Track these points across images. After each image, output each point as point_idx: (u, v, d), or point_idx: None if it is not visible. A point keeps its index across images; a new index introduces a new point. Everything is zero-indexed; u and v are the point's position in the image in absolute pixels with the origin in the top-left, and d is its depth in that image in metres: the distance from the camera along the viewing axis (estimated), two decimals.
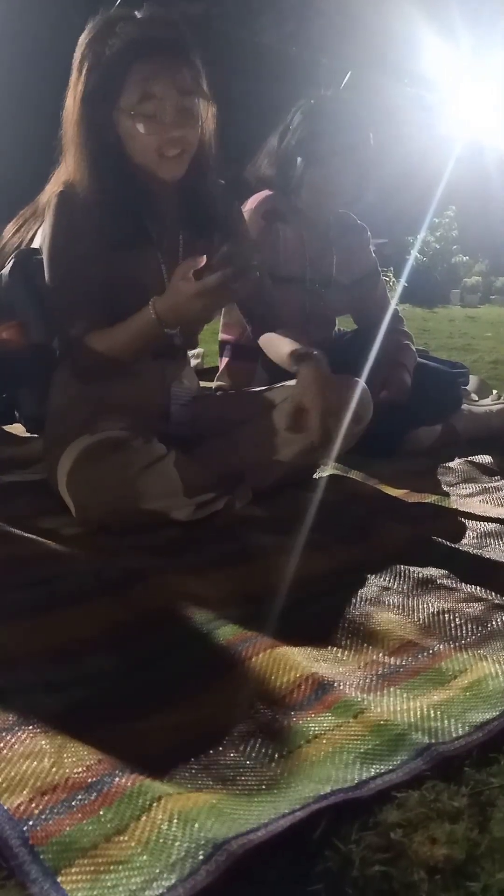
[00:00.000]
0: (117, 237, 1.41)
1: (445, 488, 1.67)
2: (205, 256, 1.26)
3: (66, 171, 1.42)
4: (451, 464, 1.82)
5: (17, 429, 2.06)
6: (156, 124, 1.35)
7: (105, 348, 1.38)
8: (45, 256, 1.45)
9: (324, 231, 2.00)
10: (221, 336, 2.06)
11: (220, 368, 2.06)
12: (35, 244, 1.67)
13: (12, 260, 1.82)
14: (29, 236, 1.67)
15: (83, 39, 1.36)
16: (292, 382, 1.56)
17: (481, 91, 8.11)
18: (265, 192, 1.96)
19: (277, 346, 1.53)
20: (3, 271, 1.85)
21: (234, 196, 1.62)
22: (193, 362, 2.03)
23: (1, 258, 1.62)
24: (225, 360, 2.04)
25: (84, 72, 1.36)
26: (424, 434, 1.98)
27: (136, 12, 1.36)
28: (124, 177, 1.41)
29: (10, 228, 1.71)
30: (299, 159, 1.86)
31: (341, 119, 1.89)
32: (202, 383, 1.87)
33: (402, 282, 6.38)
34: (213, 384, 2.07)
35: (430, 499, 1.59)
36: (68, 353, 1.47)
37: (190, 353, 1.67)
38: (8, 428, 2.08)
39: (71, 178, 1.40)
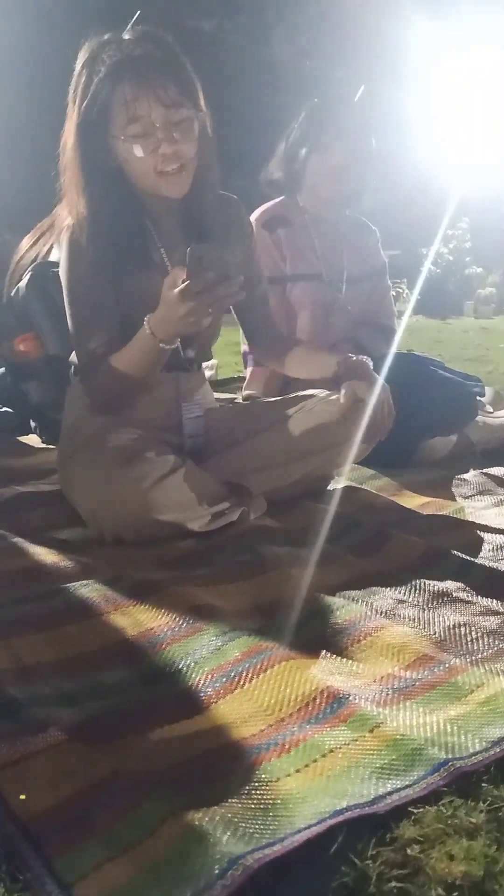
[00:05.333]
0: (123, 263, 1.42)
1: (461, 500, 1.66)
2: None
3: (71, 196, 1.42)
4: (466, 475, 1.81)
5: (33, 440, 2.07)
6: (148, 144, 1.34)
7: (120, 367, 1.40)
8: (63, 285, 1.47)
9: (332, 227, 2.04)
10: (244, 347, 2.09)
11: (248, 377, 2.09)
12: (52, 258, 1.68)
13: (29, 273, 1.84)
14: (45, 249, 1.69)
15: (76, 68, 1.36)
16: (306, 392, 1.57)
17: (495, 102, 8.12)
18: (269, 203, 2.01)
19: (313, 359, 1.59)
20: (20, 284, 1.87)
21: (240, 206, 1.60)
22: (208, 374, 2.05)
23: (18, 271, 1.64)
24: (250, 368, 2.07)
25: (77, 102, 1.36)
26: (439, 444, 1.97)
27: (124, 33, 1.35)
28: (125, 201, 1.41)
29: (26, 241, 1.73)
30: (303, 150, 1.94)
31: (344, 112, 1.95)
32: (218, 395, 1.88)
33: (416, 293, 6.38)
34: (243, 394, 2.10)
35: (446, 510, 1.58)
36: (87, 375, 1.48)
37: (204, 364, 1.67)
38: (23, 439, 2.10)
39: (74, 208, 1.41)
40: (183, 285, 1.23)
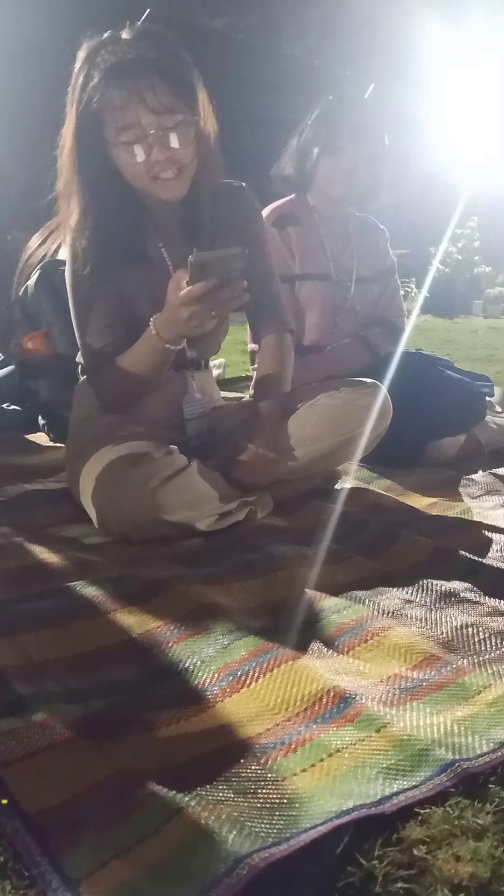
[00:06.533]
0: (122, 263, 1.42)
1: (469, 500, 1.65)
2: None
3: (66, 201, 1.42)
4: (474, 476, 1.80)
5: (41, 438, 2.08)
6: (140, 150, 1.33)
7: (127, 367, 1.40)
8: (67, 288, 1.47)
9: (341, 226, 2.04)
10: (251, 346, 2.08)
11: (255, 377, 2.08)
12: (60, 256, 1.69)
13: (38, 271, 1.84)
14: (54, 248, 1.69)
15: (75, 69, 1.35)
16: (311, 386, 1.57)
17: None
18: (279, 201, 2.00)
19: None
20: (29, 282, 1.88)
21: (245, 193, 1.57)
22: (215, 372, 2.04)
23: (27, 269, 1.64)
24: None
25: (74, 107, 1.35)
26: (447, 444, 1.97)
27: (122, 32, 1.33)
28: (122, 202, 1.41)
29: (35, 240, 1.73)
30: (315, 149, 1.93)
31: (358, 113, 1.94)
32: (225, 393, 1.87)
33: (424, 292, 6.37)
34: (250, 392, 2.09)
35: (454, 511, 1.58)
36: (93, 375, 1.48)
37: (212, 363, 1.67)
38: (31, 437, 2.10)
39: (69, 212, 1.41)
40: (185, 289, 1.24)
